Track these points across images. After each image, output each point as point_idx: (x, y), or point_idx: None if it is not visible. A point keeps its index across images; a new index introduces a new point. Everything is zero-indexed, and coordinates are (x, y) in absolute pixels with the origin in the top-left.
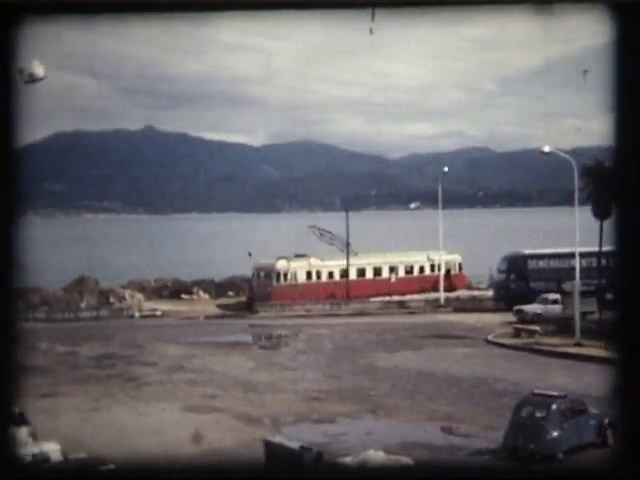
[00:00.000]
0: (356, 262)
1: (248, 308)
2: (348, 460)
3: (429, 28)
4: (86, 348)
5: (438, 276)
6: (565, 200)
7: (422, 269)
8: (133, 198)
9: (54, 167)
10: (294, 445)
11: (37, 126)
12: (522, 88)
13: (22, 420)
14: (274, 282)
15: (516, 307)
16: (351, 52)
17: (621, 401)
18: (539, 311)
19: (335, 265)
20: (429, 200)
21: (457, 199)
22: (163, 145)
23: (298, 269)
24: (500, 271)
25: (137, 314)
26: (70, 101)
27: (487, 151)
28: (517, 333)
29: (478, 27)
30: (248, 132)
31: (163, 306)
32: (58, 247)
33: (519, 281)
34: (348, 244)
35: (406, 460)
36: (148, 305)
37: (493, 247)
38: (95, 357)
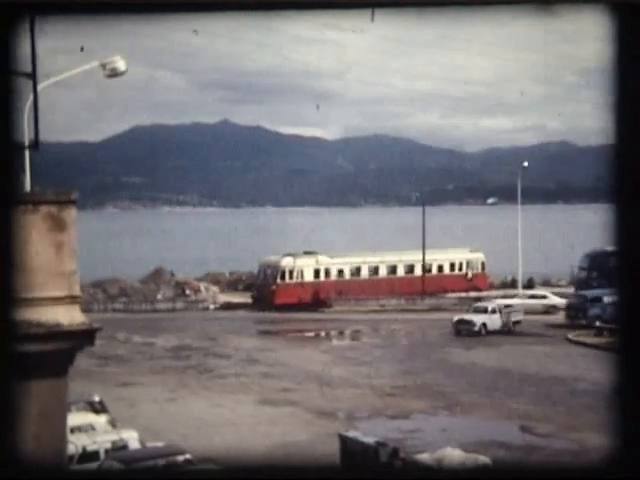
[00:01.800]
0: (369, 260)
1: (255, 307)
2: (424, 457)
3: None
4: (162, 339)
5: (454, 276)
6: None
7: (441, 268)
8: (209, 191)
9: (132, 160)
10: (369, 440)
11: (116, 119)
12: (604, 81)
13: (101, 408)
14: (278, 280)
15: (458, 317)
16: (427, 45)
17: (621, 400)
18: (486, 320)
19: (345, 263)
20: (507, 195)
21: (537, 194)
22: (239, 138)
23: (305, 267)
24: (581, 269)
25: (212, 306)
26: (148, 95)
27: (569, 145)
28: (599, 332)
29: (557, 19)
30: (323, 126)
31: (237, 299)
32: (135, 239)
33: (601, 279)
34: (424, 239)
35: (484, 459)
36: (223, 298)
37: (574, 244)
38: (171, 348)
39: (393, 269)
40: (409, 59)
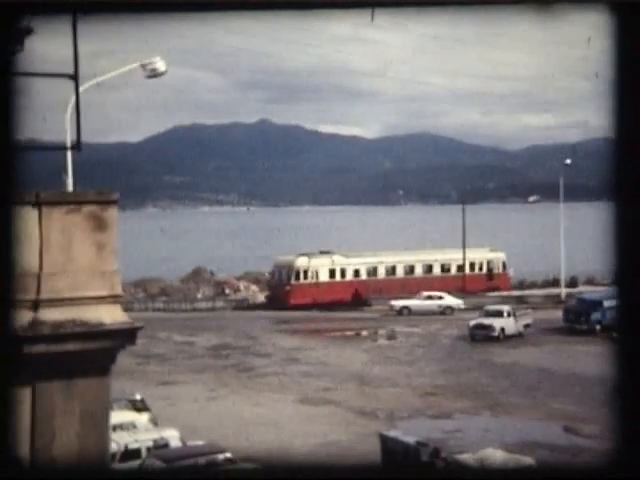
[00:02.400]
0: (385, 260)
1: (268, 307)
2: (466, 457)
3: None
4: (202, 338)
5: (473, 276)
6: None
7: (460, 268)
8: (248, 191)
9: (172, 160)
10: (410, 440)
11: (156, 120)
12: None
13: (143, 406)
14: (292, 280)
15: (476, 321)
16: (466, 42)
17: (621, 400)
18: (504, 324)
19: (362, 263)
20: (550, 193)
21: (580, 192)
22: (278, 138)
23: (320, 267)
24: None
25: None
26: (188, 95)
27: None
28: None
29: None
30: (362, 124)
31: None
32: (176, 239)
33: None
34: (464, 238)
35: (527, 460)
36: (262, 297)
37: None
38: (211, 347)
39: (411, 269)
40: (449, 56)
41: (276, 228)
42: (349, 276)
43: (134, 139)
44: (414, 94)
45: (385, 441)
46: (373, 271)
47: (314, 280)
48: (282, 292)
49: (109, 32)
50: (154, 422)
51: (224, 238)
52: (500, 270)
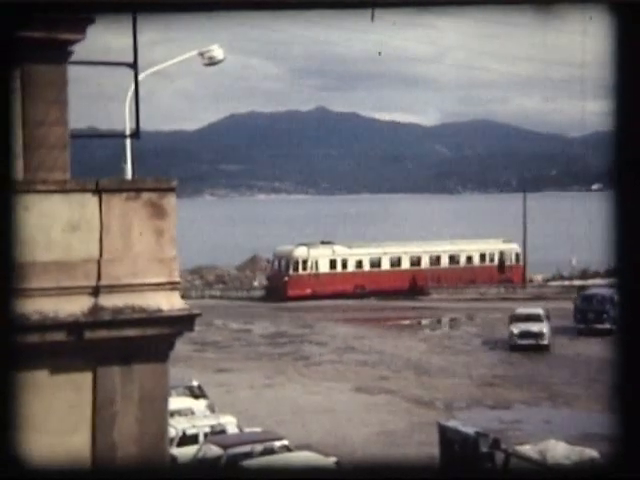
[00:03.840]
0: (390, 250)
1: (267, 299)
2: (527, 449)
3: None
4: (258, 326)
5: (484, 268)
6: None
7: (470, 259)
8: (304, 179)
9: (229, 148)
10: (469, 430)
11: (214, 108)
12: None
13: (200, 393)
14: (291, 271)
15: (521, 328)
16: (525, 26)
17: (621, 400)
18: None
19: (364, 253)
20: None
21: None
22: (334, 125)
23: (320, 257)
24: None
25: None
26: (244, 83)
27: None
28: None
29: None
30: (420, 111)
31: None
32: (232, 227)
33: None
34: (525, 227)
35: (590, 452)
36: None
37: None
38: (267, 335)
39: (418, 260)
40: (508, 41)
41: (332, 216)
42: (351, 267)
43: (191, 127)
44: (473, 80)
45: (443, 431)
46: (377, 262)
47: (313, 271)
48: (280, 283)
49: (167, 21)
50: (211, 408)
51: (281, 226)
52: (513, 262)
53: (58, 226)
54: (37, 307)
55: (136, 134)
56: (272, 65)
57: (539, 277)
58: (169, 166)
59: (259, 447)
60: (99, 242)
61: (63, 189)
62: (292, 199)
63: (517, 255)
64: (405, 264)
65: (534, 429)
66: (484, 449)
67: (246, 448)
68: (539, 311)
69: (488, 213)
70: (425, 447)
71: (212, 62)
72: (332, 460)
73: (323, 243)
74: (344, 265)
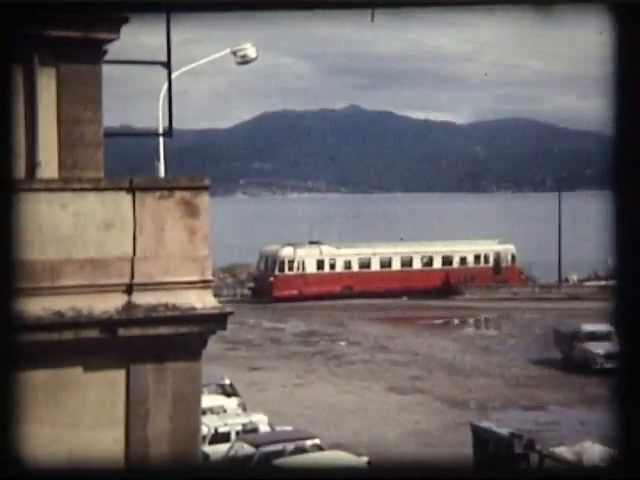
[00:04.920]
0: (380, 251)
1: (253, 299)
2: (562, 450)
3: None
4: (290, 325)
5: (479, 269)
6: None
7: (464, 260)
8: (337, 177)
9: (261, 147)
10: (503, 431)
11: (246, 106)
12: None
13: (232, 391)
14: (277, 271)
15: (601, 350)
16: (559, 23)
17: (621, 400)
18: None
19: (353, 254)
20: None
21: None
22: (367, 124)
23: (306, 257)
24: None
25: None
26: (276, 81)
27: None
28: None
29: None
30: (454, 110)
31: None
32: (264, 225)
33: None
34: (560, 226)
35: None
36: None
37: None
38: (299, 334)
39: (409, 261)
40: (543, 38)
41: (365, 215)
42: (339, 268)
43: (224, 125)
44: (508, 78)
45: (477, 431)
46: (366, 263)
47: (300, 271)
48: (265, 283)
49: (200, 20)
50: (243, 407)
51: (312, 225)
52: (509, 263)
53: (93, 224)
54: (72, 304)
55: (169, 132)
56: (305, 63)
57: (574, 277)
58: (201, 164)
59: (291, 446)
60: (133, 240)
61: (98, 187)
62: (324, 198)
63: (513, 256)
64: (396, 265)
65: (569, 431)
66: (518, 450)
67: (278, 447)
68: (610, 328)
69: (522, 212)
70: (458, 447)
71: (245, 61)
72: (364, 460)
73: (311, 243)
74: (332, 266)
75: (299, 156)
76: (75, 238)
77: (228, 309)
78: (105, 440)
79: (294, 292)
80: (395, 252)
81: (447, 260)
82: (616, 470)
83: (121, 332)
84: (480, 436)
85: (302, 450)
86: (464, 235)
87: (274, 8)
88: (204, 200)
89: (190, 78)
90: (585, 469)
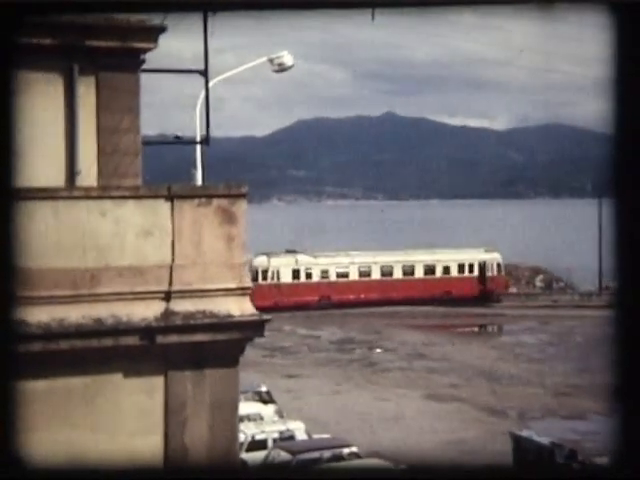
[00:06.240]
0: (358, 260)
1: None
2: (605, 461)
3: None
4: (327, 332)
5: (463, 279)
6: None
7: (447, 269)
8: (373, 184)
9: (297, 154)
10: (544, 440)
11: (281, 114)
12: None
13: (269, 398)
14: None
15: None
16: (597, 26)
17: (621, 400)
18: None
19: (330, 263)
20: None
21: None
22: (403, 130)
23: (281, 267)
24: None
25: None
26: (312, 89)
27: None
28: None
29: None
30: (490, 116)
31: None
32: (301, 232)
33: None
34: (601, 232)
35: None
36: None
37: None
38: (335, 341)
39: (390, 271)
40: (582, 42)
41: (400, 222)
42: (316, 277)
43: (260, 133)
44: (545, 83)
45: (517, 441)
46: (344, 273)
47: (275, 281)
48: None
49: (236, 28)
50: (280, 414)
51: (347, 232)
52: (495, 272)
53: (132, 232)
54: (111, 311)
55: (206, 140)
56: (340, 70)
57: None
58: (238, 172)
59: (328, 453)
60: (171, 248)
61: (136, 195)
62: (360, 204)
63: (499, 265)
64: (376, 275)
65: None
66: (560, 460)
67: (315, 454)
68: None
69: (560, 219)
70: (497, 456)
71: (282, 68)
72: (402, 468)
73: (288, 252)
74: (308, 275)
75: (335, 163)
76: (114, 246)
77: (266, 316)
78: (144, 446)
79: (268, 303)
80: (375, 261)
81: (429, 269)
82: (616, 470)
83: (159, 339)
84: (520, 445)
85: (339, 458)
86: (496, 242)
87: (299, 7)
88: (241, 207)
89: (227, 86)
90: (585, 469)
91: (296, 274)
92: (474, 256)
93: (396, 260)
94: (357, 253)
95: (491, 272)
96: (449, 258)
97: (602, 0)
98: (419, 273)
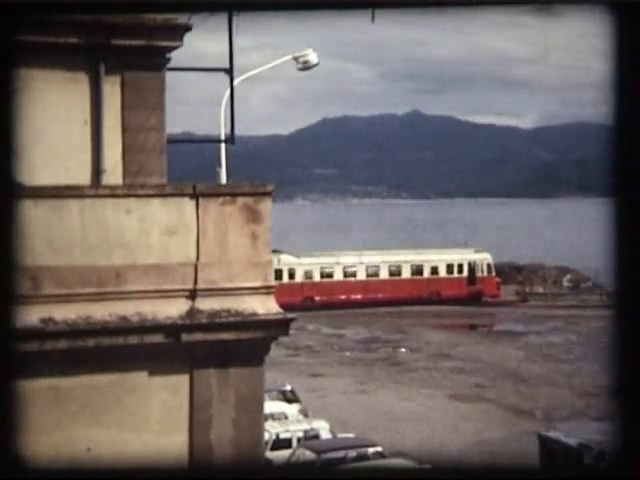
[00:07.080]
0: (343, 260)
1: None
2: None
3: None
4: (351, 331)
5: (451, 280)
6: None
7: (435, 270)
8: (398, 183)
9: (322, 152)
10: (572, 441)
11: (307, 112)
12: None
13: (293, 397)
14: None
15: None
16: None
17: (621, 400)
18: None
19: (314, 263)
20: None
21: None
22: (429, 129)
23: None
24: None
25: None
26: (337, 87)
27: None
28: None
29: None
30: (518, 114)
31: None
32: (326, 231)
33: None
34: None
35: None
36: None
37: None
38: (360, 340)
39: (376, 271)
40: (605, 40)
41: (427, 221)
42: (299, 278)
43: (285, 131)
44: (575, 81)
45: (544, 441)
46: (329, 273)
47: None
48: None
49: (261, 26)
50: (304, 413)
51: (372, 231)
52: (485, 273)
53: (157, 230)
54: (137, 309)
55: (231, 139)
56: (366, 68)
57: None
58: (263, 170)
59: (353, 453)
60: (196, 246)
61: (162, 193)
62: (386, 203)
63: (489, 266)
64: (361, 275)
65: None
66: (588, 461)
67: (340, 454)
68: None
69: (589, 218)
70: (524, 457)
71: (306, 66)
72: (426, 468)
73: (273, 252)
74: (291, 276)
75: (360, 162)
76: (140, 244)
77: (291, 315)
78: (169, 444)
79: None
80: (360, 262)
81: (417, 270)
82: (616, 470)
83: (185, 337)
84: (547, 446)
85: (364, 457)
86: (523, 241)
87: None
88: (267, 206)
89: (252, 84)
90: (585, 469)
91: (278, 274)
92: (463, 256)
93: (382, 260)
94: (342, 253)
95: (481, 273)
96: (438, 258)
97: (602, 0)
98: (406, 273)
